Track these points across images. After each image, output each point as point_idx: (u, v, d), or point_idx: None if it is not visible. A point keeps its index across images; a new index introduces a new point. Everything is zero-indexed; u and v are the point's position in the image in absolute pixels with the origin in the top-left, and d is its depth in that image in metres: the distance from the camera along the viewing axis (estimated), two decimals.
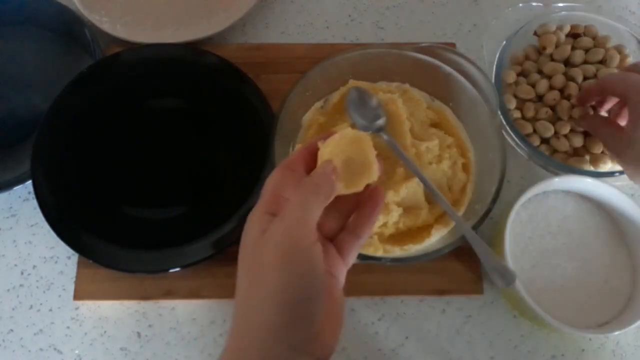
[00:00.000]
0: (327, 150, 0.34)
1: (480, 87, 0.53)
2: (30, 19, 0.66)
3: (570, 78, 0.61)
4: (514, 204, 0.52)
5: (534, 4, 0.66)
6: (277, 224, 0.31)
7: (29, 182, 0.55)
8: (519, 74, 0.63)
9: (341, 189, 0.34)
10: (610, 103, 0.56)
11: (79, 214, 0.55)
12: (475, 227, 0.47)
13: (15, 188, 0.57)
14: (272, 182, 0.34)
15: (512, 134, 0.58)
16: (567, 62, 0.63)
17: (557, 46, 0.63)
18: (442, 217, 0.51)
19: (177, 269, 0.52)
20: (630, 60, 0.62)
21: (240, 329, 0.32)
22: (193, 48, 0.63)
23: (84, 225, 0.54)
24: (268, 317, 0.30)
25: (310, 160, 0.35)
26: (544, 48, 0.62)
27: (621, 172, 0.56)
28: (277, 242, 0.30)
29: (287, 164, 0.35)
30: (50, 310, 0.54)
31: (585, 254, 0.53)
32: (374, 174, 0.35)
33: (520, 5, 0.66)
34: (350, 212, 0.37)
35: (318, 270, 0.30)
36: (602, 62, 0.62)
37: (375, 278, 0.54)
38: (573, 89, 0.60)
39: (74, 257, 0.55)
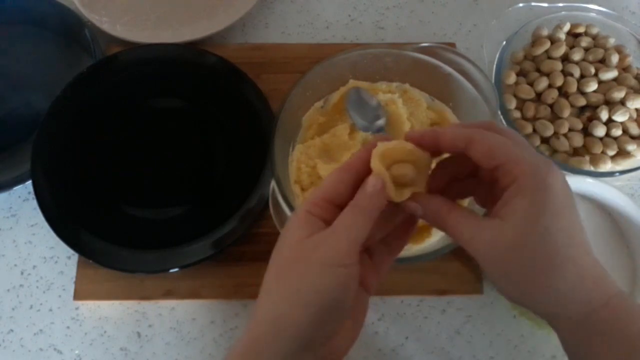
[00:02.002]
0: (381, 151, 0.33)
1: (480, 87, 0.53)
2: (30, 19, 0.66)
3: (567, 74, 0.61)
4: None
5: (533, 3, 0.66)
6: (329, 236, 0.32)
7: (29, 182, 0.55)
8: (518, 74, 0.63)
9: (391, 197, 0.33)
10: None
11: (79, 214, 0.55)
12: None
13: (15, 188, 0.57)
14: (326, 185, 0.34)
15: None
16: (566, 61, 0.63)
17: (553, 43, 0.63)
18: None
19: (177, 269, 0.52)
20: (631, 60, 0.62)
21: (263, 316, 0.32)
22: (193, 48, 0.63)
23: (84, 225, 0.54)
24: (294, 313, 0.31)
25: (368, 161, 0.34)
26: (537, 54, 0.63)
27: (621, 172, 0.56)
28: (323, 255, 0.31)
29: (345, 166, 0.34)
30: (50, 310, 0.54)
31: None
32: (421, 184, 0.34)
33: (520, 5, 0.66)
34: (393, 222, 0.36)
35: (350, 286, 0.32)
36: (602, 61, 0.63)
37: None
38: (571, 86, 0.60)
39: (74, 257, 0.55)
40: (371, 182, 0.33)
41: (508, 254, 0.31)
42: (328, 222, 0.33)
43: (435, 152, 0.34)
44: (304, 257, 0.32)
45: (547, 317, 0.34)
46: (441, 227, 0.34)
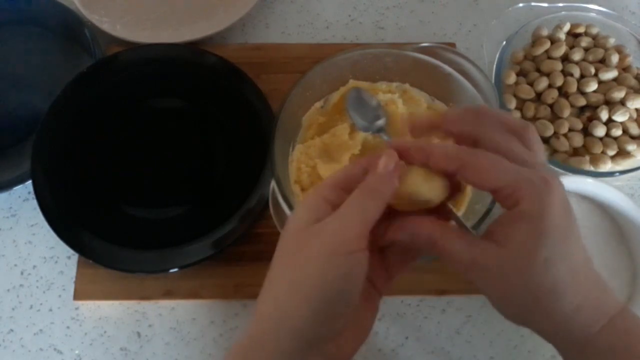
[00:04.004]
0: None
1: (480, 87, 0.53)
2: (30, 19, 0.66)
3: (567, 74, 0.61)
4: None
5: (533, 3, 0.66)
6: (331, 222, 0.30)
7: (29, 182, 0.55)
8: (518, 74, 0.63)
9: (402, 206, 0.32)
10: None
11: (79, 214, 0.55)
12: (475, 227, 0.47)
13: (15, 188, 0.57)
14: (344, 171, 0.32)
15: None
16: (566, 61, 0.63)
17: (553, 43, 0.63)
18: None
19: (177, 269, 0.52)
20: (631, 60, 0.62)
21: (264, 311, 0.31)
22: (193, 48, 0.63)
23: (84, 225, 0.54)
24: (295, 308, 0.29)
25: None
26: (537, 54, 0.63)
27: (621, 172, 0.56)
28: (326, 241, 0.29)
29: (366, 160, 0.32)
30: (50, 310, 0.54)
31: None
32: (434, 198, 0.32)
33: (520, 5, 0.66)
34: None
35: (358, 277, 0.29)
36: (602, 61, 0.63)
37: None
38: (571, 86, 0.60)
39: (74, 257, 0.55)
40: (383, 161, 0.31)
41: (507, 281, 0.30)
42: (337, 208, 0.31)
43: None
44: (305, 246, 0.30)
45: (548, 339, 0.33)
46: (434, 253, 0.32)
